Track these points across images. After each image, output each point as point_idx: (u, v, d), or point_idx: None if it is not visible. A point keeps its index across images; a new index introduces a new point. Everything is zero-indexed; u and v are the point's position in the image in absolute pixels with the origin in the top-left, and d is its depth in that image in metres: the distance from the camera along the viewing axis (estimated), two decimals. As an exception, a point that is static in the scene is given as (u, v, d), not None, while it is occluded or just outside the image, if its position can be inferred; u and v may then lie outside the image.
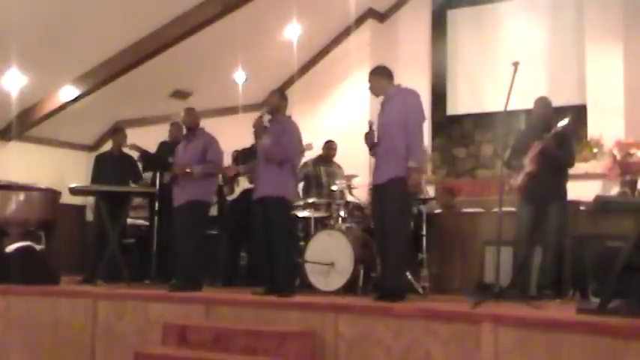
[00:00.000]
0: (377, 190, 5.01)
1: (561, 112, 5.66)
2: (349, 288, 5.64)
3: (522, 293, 5.24)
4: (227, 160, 7.00)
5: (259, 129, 5.51)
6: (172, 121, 7.32)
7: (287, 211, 5.53)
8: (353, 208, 6.21)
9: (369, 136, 5.08)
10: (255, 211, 5.52)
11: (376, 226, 5.13)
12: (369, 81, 5.16)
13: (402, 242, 4.80)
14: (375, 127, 5.05)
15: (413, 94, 5.03)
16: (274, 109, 5.58)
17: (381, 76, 5.13)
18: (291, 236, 5.41)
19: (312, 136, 7.06)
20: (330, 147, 7.42)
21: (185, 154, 6.00)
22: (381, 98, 5.16)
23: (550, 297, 5.19)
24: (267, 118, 5.52)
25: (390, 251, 4.80)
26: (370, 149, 5.11)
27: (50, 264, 6.23)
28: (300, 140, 5.58)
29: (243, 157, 6.95)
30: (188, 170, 5.82)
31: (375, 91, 5.18)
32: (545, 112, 5.61)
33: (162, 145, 7.27)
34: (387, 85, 5.10)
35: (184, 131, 6.22)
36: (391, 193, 4.79)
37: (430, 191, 8.65)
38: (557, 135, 5.35)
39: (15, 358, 5.36)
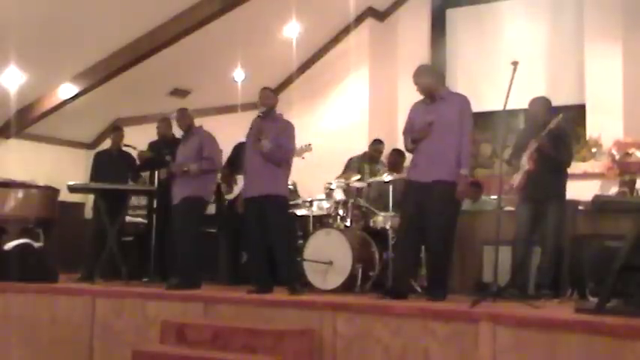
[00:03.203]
0: (418, 187, 4.93)
1: (560, 111, 5.65)
2: (347, 287, 5.65)
3: (520, 292, 5.24)
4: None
5: (259, 130, 5.41)
6: (161, 118, 7.28)
7: (287, 209, 5.57)
8: (352, 207, 6.19)
9: (424, 132, 4.92)
10: (249, 209, 5.45)
11: (406, 221, 5.03)
12: (416, 82, 5.03)
13: (450, 246, 4.90)
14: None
15: (468, 102, 5.01)
16: (270, 108, 5.54)
17: (430, 74, 5.08)
18: (291, 234, 5.40)
19: (311, 135, 7.05)
20: (376, 149, 7.24)
21: (183, 154, 6.03)
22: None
23: (548, 296, 5.19)
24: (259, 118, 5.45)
25: (437, 253, 4.87)
26: (413, 143, 5.01)
27: (48, 261, 6.23)
28: (295, 139, 5.54)
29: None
30: (185, 169, 5.84)
31: (423, 89, 5.04)
32: (542, 112, 5.59)
33: (153, 145, 7.21)
34: (436, 84, 5.03)
35: (173, 128, 6.25)
36: (441, 196, 4.80)
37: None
38: (552, 133, 5.35)
39: (13, 356, 5.36)
